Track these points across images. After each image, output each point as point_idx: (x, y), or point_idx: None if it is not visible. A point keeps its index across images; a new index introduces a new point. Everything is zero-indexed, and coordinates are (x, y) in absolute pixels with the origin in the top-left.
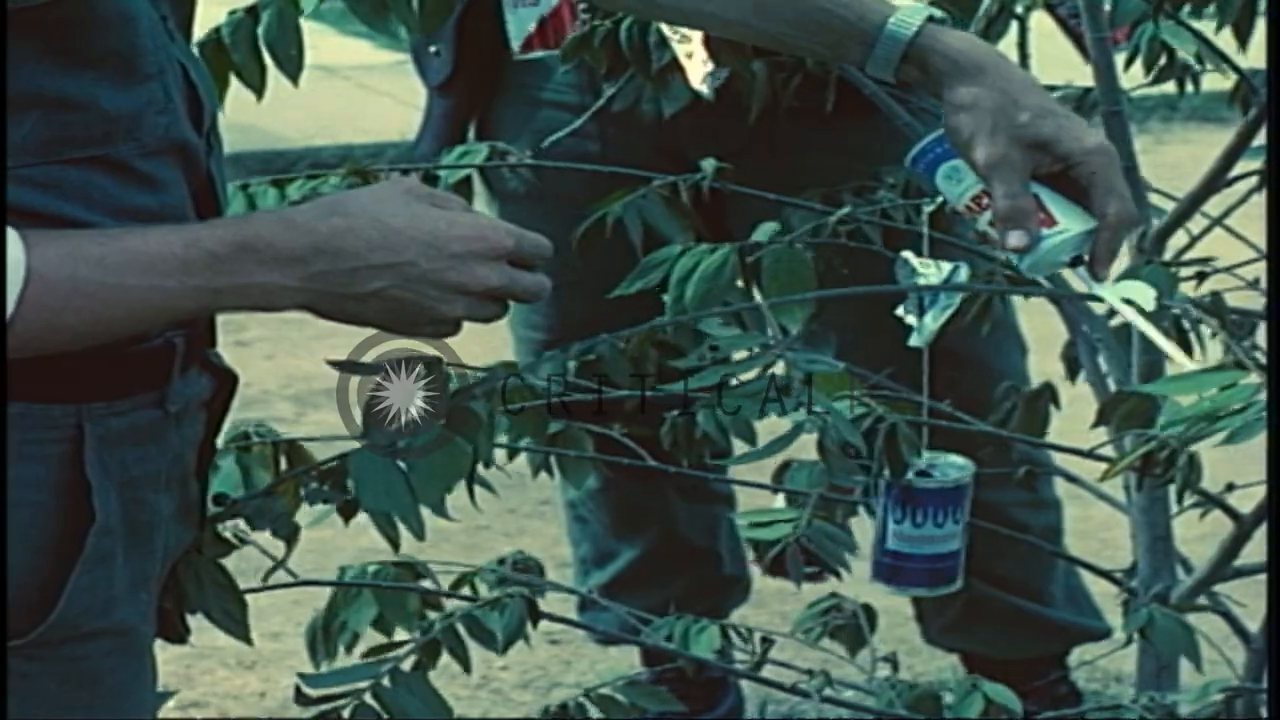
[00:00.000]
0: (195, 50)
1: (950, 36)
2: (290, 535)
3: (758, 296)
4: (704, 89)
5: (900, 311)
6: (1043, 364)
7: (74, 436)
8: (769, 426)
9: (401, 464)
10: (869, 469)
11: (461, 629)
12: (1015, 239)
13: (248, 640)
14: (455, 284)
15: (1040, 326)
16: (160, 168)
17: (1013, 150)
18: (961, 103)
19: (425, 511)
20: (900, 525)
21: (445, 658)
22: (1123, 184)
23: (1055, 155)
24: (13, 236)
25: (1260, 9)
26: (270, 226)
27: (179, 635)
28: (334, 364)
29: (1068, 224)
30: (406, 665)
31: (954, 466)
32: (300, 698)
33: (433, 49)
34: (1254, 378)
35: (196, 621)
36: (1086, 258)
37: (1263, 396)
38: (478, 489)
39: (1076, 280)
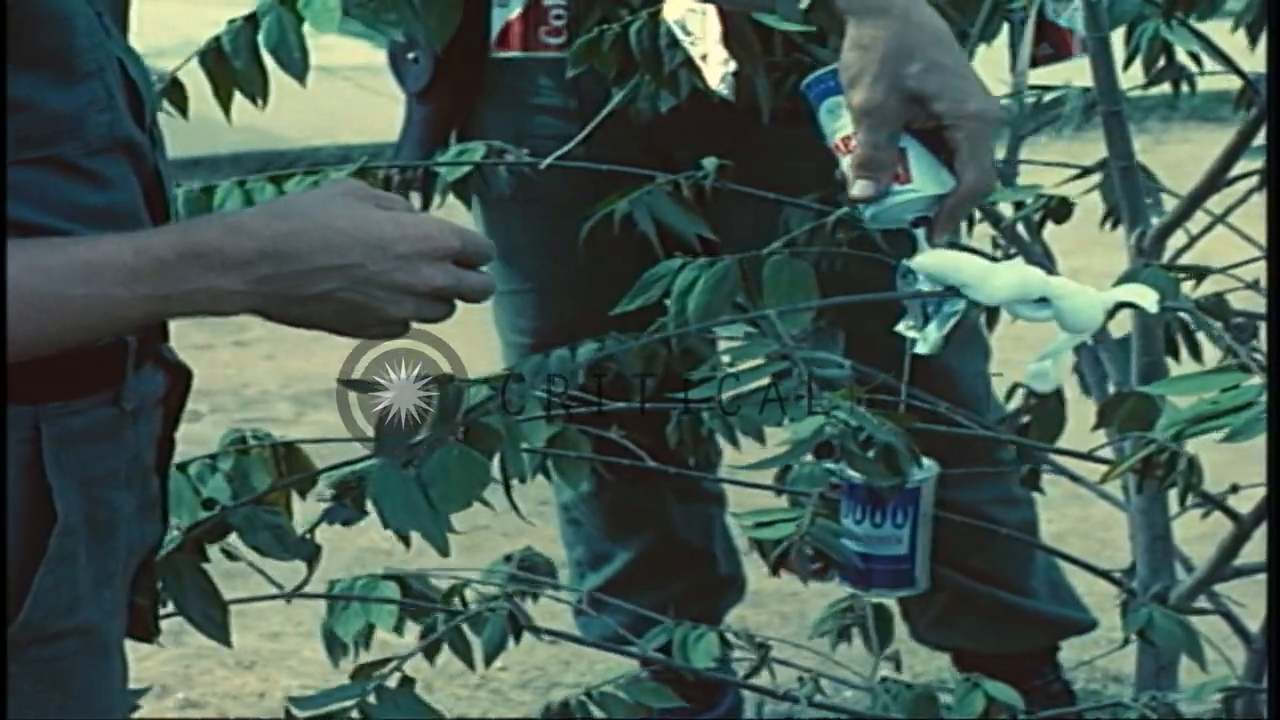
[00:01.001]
0: (197, 57)
1: None
2: (312, 556)
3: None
4: (723, 89)
5: (901, 327)
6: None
7: (32, 437)
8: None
9: (420, 479)
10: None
11: (466, 634)
12: (859, 188)
13: (227, 643)
14: (402, 285)
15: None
16: (108, 165)
17: (890, 99)
18: (856, 41)
19: None
20: (860, 525)
21: (444, 657)
22: (987, 155)
23: (930, 112)
24: None
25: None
26: (217, 232)
27: (148, 633)
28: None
29: (920, 184)
30: (393, 681)
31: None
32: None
33: (411, 55)
34: (1256, 379)
35: None
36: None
37: (1264, 398)
38: None
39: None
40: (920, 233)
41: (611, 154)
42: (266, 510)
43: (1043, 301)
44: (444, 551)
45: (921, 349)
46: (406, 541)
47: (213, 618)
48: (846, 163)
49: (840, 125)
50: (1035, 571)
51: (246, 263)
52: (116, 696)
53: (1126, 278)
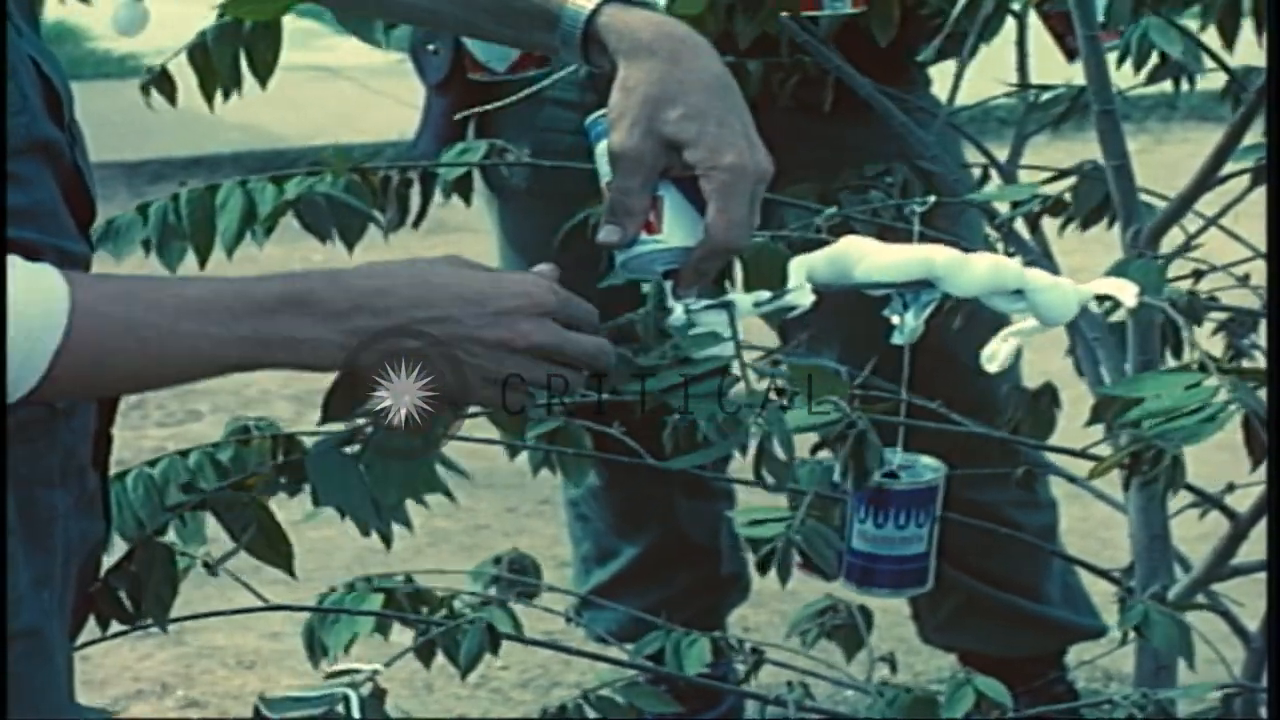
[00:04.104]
0: (185, 53)
1: (631, 15)
2: (243, 528)
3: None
4: None
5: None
6: (1045, 364)
7: None
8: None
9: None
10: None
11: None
12: (603, 233)
13: (163, 627)
14: (499, 340)
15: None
16: (25, 166)
17: (645, 144)
18: (621, 83)
19: (425, 511)
20: (864, 525)
21: (444, 656)
22: (737, 208)
23: (684, 160)
24: (49, 270)
25: (1245, 8)
26: (319, 281)
27: (126, 617)
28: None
29: (668, 235)
30: (366, 689)
31: (927, 468)
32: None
33: (431, 47)
34: (1213, 380)
35: (196, 621)
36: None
37: (1220, 398)
38: (478, 489)
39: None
40: (669, 285)
41: None
42: (248, 495)
43: (1018, 293)
44: (365, 533)
45: (898, 339)
46: (388, 543)
47: (161, 598)
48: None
49: (609, 170)
50: (1051, 575)
51: (343, 313)
52: (63, 700)
53: (1116, 270)
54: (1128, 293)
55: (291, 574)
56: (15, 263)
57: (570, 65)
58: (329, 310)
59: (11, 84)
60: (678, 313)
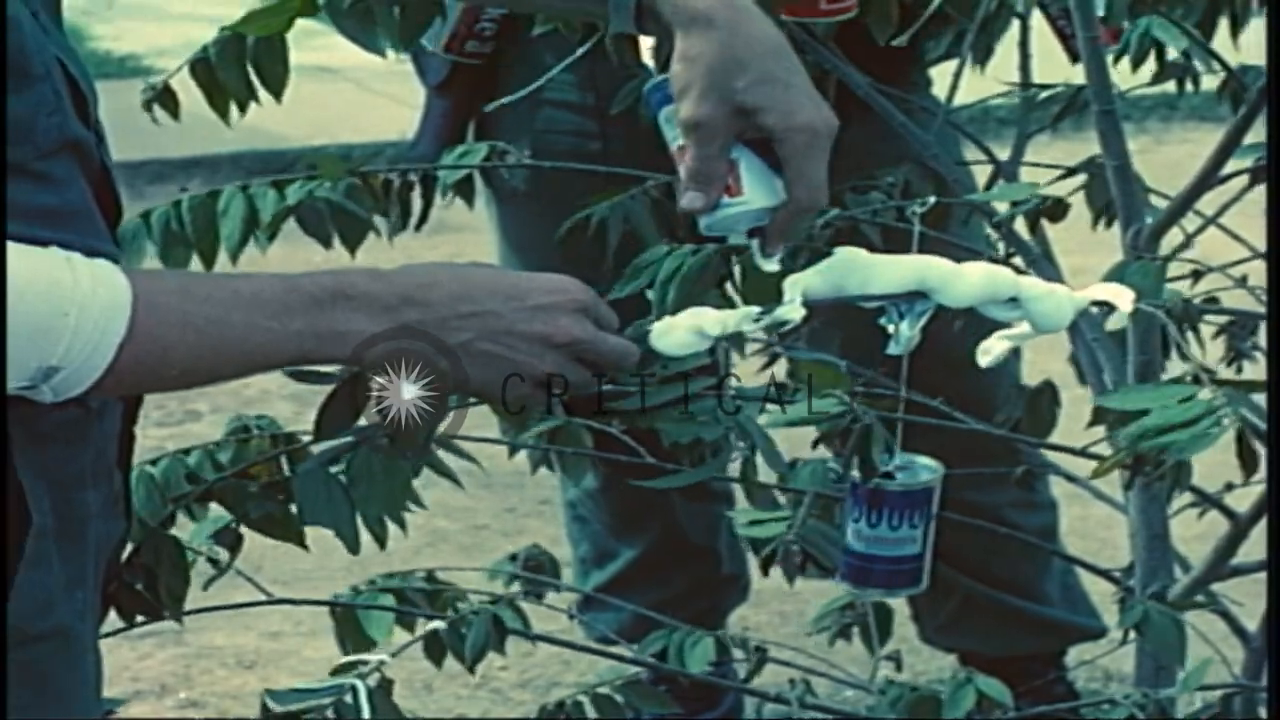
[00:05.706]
0: (188, 67)
1: None
2: (234, 544)
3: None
4: (647, 58)
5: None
6: (1045, 364)
7: None
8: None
9: (345, 478)
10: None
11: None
12: (688, 199)
13: (179, 619)
14: (541, 334)
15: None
16: (55, 166)
17: (718, 111)
18: (683, 54)
19: (425, 511)
20: (858, 525)
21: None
22: (815, 168)
23: (757, 125)
24: (107, 263)
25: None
26: (363, 276)
27: (150, 609)
28: (290, 374)
29: (751, 197)
30: (373, 681)
31: (924, 469)
32: (266, 713)
33: (431, 49)
34: (1206, 393)
35: (196, 621)
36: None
37: (1215, 411)
38: (478, 489)
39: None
40: (755, 243)
41: (626, 154)
42: (249, 483)
43: (1013, 301)
44: (354, 550)
45: (893, 350)
46: (382, 544)
47: (173, 590)
48: (684, 171)
49: (677, 133)
50: (1050, 576)
51: (392, 307)
52: (91, 699)
53: (1114, 273)
54: (1124, 299)
55: (304, 547)
56: (74, 257)
57: (566, 65)
58: (378, 304)
59: (46, 85)
60: (767, 263)
